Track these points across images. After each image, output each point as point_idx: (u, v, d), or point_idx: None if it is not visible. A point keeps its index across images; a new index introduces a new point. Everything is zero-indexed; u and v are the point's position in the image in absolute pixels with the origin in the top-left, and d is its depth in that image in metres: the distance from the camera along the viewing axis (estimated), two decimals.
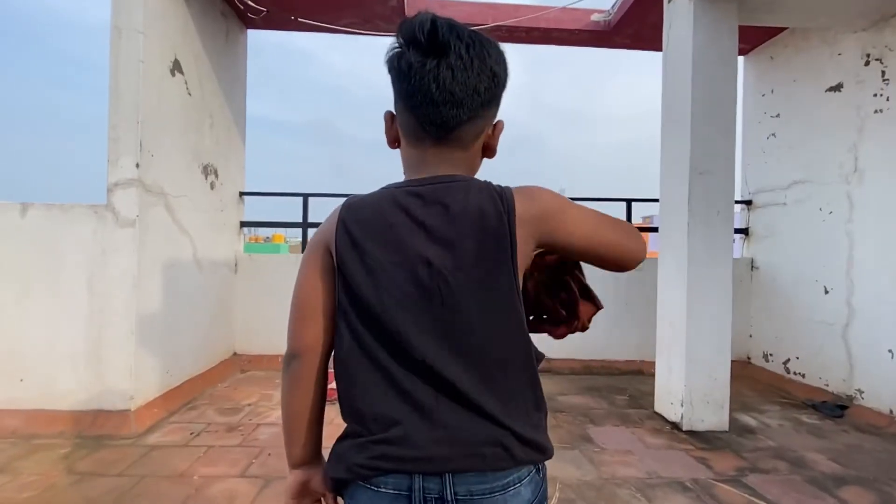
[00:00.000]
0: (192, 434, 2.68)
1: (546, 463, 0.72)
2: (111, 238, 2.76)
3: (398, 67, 0.68)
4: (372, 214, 0.69)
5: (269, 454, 2.43)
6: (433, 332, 0.66)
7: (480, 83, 0.67)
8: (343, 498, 0.72)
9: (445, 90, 0.65)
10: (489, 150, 0.77)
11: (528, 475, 0.68)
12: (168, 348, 3.11)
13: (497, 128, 0.75)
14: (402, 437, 0.65)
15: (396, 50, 0.68)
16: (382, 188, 0.73)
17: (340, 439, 0.72)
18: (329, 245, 0.71)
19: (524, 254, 0.68)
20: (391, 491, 0.65)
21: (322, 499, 0.79)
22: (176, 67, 3.20)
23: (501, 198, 0.67)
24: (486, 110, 0.71)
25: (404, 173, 0.75)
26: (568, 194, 5.24)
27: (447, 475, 0.64)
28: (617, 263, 0.77)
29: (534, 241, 0.69)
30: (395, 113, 0.75)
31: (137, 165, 2.78)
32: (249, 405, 3.18)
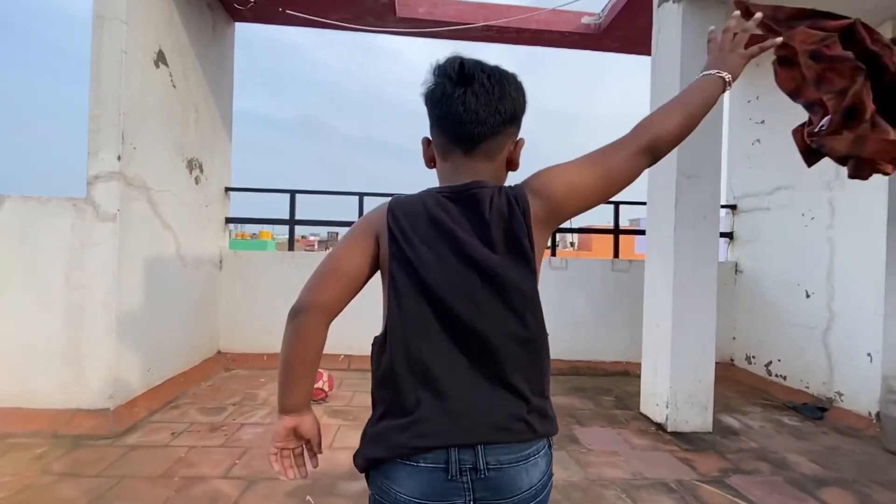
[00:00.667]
0: (173, 434, 2.62)
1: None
2: (91, 232, 2.69)
3: (433, 97, 0.81)
4: (418, 210, 0.80)
5: (254, 455, 2.39)
6: (472, 314, 0.76)
7: (501, 105, 0.79)
8: (375, 474, 0.78)
9: (471, 111, 0.78)
10: (512, 164, 0.87)
11: (544, 448, 0.80)
12: (150, 346, 3.04)
13: (518, 144, 0.86)
14: (441, 413, 0.73)
15: (432, 84, 0.82)
16: (423, 191, 0.84)
17: (375, 422, 0.80)
18: (378, 231, 0.81)
19: (539, 247, 0.80)
20: (429, 465, 0.73)
21: (308, 443, 0.87)
22: (160, 59, 3.13)
23: (517, 200, 0.79)
24: (506, 128, 0.82)
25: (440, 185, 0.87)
26: None
27: (479, 447, 0.73)
28: (627, 174, 0.83)
29: (549, 230, 0.83)
30: (430, 138, 0.88)
31: (119, 158, 2.71)
32: (233, 404, 3.13)
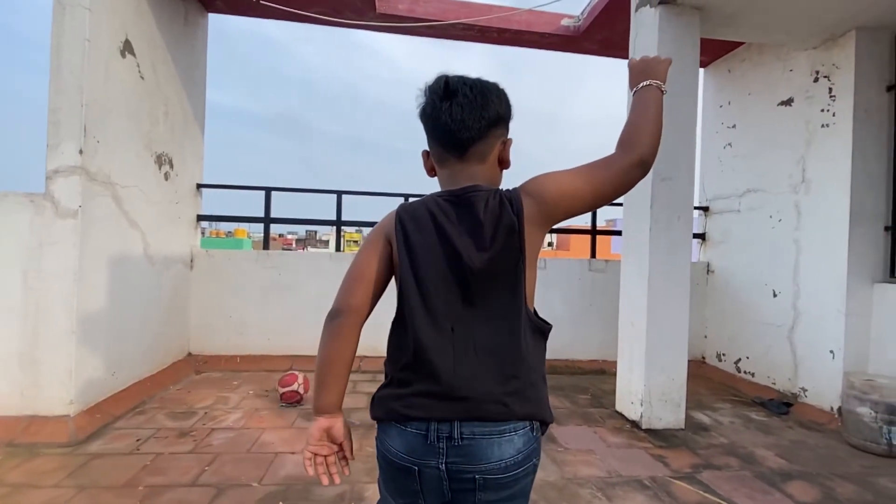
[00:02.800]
0: (138, 441, 2.51)
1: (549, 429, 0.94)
2: (50, 230, 2.55)
3: (425, 113, 0.93)
4: (422, 214, 0.91)
5: (225, 461, 2.31)
6: (461, 304, 0.88)
7: (484, 112, 0.90)
8: (378, 429, 0.93)
9: (458, 120, 0.90)
10: (504, 163, 0.97)
11: (524, 429, 0.87)
12: (114, 348, 2.91)
13: (507, 144, 0.96)
14: (428, 393, 0.86)
15: (423, 102, 0.94)
16: (427, 196, 0.95)
17: (382, 388, 0.93)
18: (389, 235, 0.93)
19: (532, 243, 0.88)
20: (414, 430, 0.87)
21: (341, 445, 0.95)
22: (126, 48, 2.99)
23: (511, 202, 0.87)
24: (492, 130, 0.92)
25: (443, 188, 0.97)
26: None
27: (456, 422, 0.85)
28: (620, 186, 0.89)
29: (543, 228, 0.90)
30: (428, 150, 0.99)
31: (81, 152, 2.58)
32: (204, 408, 3.02)
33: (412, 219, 0.91)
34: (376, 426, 0.94)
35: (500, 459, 0.85)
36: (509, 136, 0.97)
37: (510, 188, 0.92)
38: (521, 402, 0.86)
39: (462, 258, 0.86)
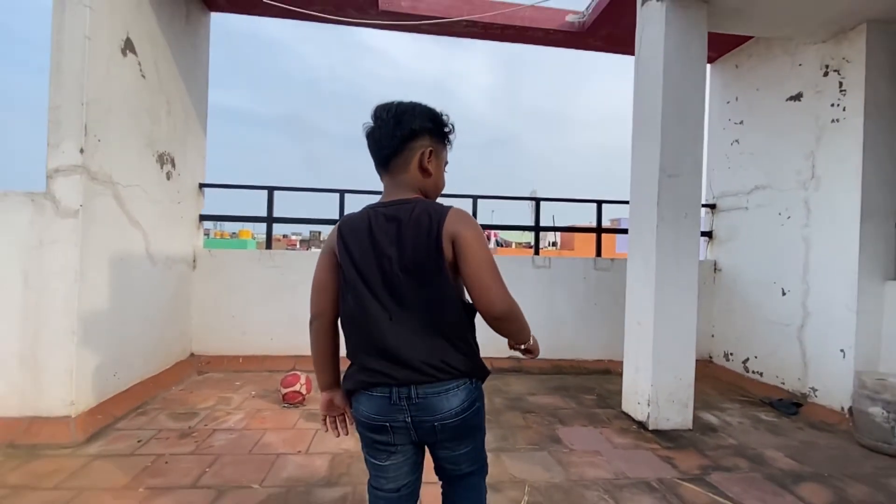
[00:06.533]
0: (139, 442, 2.49)
1: (485, 382, 1.22)
2: (50, 229, 2.53)
3: (366, 138, 1.18)
4: (359, 226, 1.13)
5: (225, 462, 2.29)
6: (394, 300, 1.09)
7: (397, 131, 1.12)
8: (351, 400, 1.18)
9: (376, 140, 1.15)
10: (425, 172, 1.16)
11: (464, 384, 1.13)
12: (115, 349, 2.89)
13: (426, 153, 1.15)
14: (382, 365, 1.09)
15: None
16: (365, 207, 1.17)
17: (349, 368, 1.17)
18: (333, 248, 1.16)
19: (448, 248, 1.07)
20: (379, 394, 1.11)
21: (344, 412, 1.27)
22: (128, 47, 2.98)
23: (435, 212, 1.09)
24: (408, 144, 1.13)
25: (381, 198, 1.19)
26: (540, 195, 5.24)
27: (412, 385, 1.09)
28: (477, 298, 1.08)
29: (451, 244, 1.07)
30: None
31: (81, 151, 2.56)
32: (205, 409, 3.00)
33: (350, 230, 1.13)
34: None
35: (450, 409, 1.11)
36: (445, 148, 1.21)
37: (440, 204, 1.13)
38: (456, 364, 1.11)
39: (392, 260, 1.08)
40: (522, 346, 1.22)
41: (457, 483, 1.26)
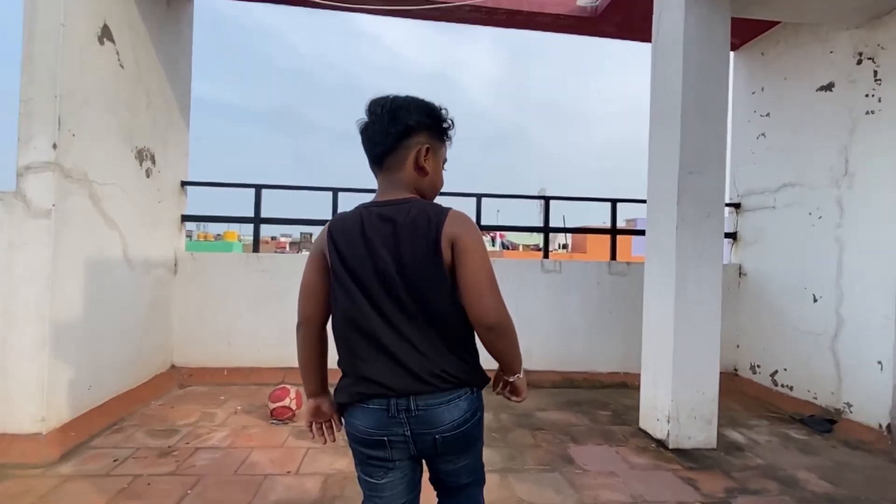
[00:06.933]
0: (115, 461, 2.48)
1: (484, 390, 1.22)
2: (20, 230, 2.54)
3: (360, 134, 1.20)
4: (350, 227, 1.14)
5: (209, 484, 2.28)
6: (390, 304, 1.09)
7: (391, 127, 1.13)
8: (344, 415, 1.18)
9: (370, 136, 1.17)
10: (421, 170, 1.18)
11: (466, 394, 1.14)
12: (90, 360, 2.89)
13: (423, 150, 1.16)
14: (380, 375, 1.09)
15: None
16: (357, 206, 1.18)
17: (341, 379, 1.17)
18: (323, 249, 1.16)
19: (447, 251, 1.09)
20: (376, 407, 1.11)
21: (331, 419, 1.27)
22: (105, 34, 2.99)
23: (436, 214, 1.11)
24: (403, 141, 1.14)
25: (375, 197, 1.21)
26: (550, 193, 5.24)
27: (412, 396, 1.09)
28: (470, 305, 1.08)
29: (450, 248, 1.09)
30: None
31: (55, 146, 2.57)
32: (187, 426, 2.99)
33: (341, 231, 1.14)
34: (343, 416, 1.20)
35: (452, 421, 1.12)
36: (443, 145, 1.22)
37: (439, 205, 1.15)
38: (457, 372, 1.12)
39: (387, 263, 1.08)
40: (511, 379, 1.21)
41: (456, 495, 1.27)
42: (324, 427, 1.28)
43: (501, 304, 1.10)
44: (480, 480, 1.30)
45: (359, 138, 1.21)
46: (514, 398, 1.25)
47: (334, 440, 1.30)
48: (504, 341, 1.13)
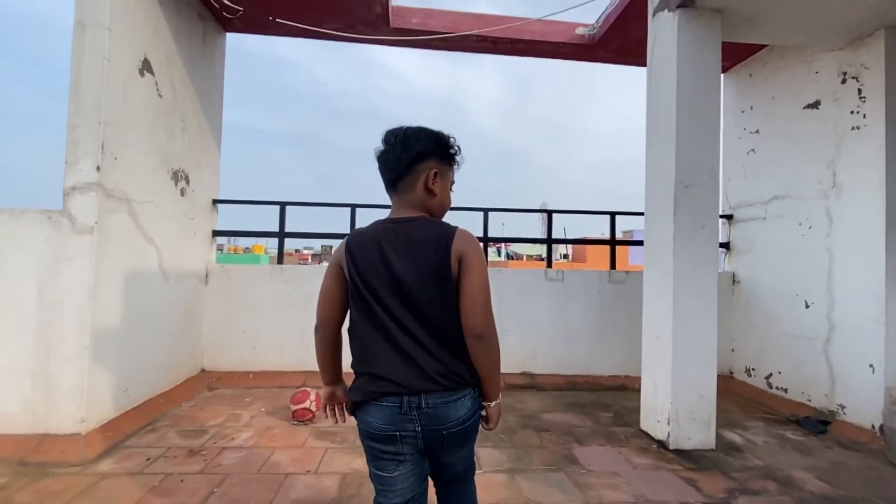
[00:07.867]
0: (148, 460, 2.46)
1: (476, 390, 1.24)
2: (66, 246, 2.56)
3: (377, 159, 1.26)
4: (366, 241, 1.19)
5: (234, 482, 2.24)
6: (404, 310, 1.14)
7: (404, 154, 1.20)
8: (358, 412, 1.21)
9: (384, 163, 1.24)
10: (430, 192, 1.24)
11: (469, 394, 1.20)
12: (127, 365, 2.89)
13: (431, 175, 1.22)
14: (394, 374, 1.13)
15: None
16: (374, 222, 1.24)
17: (355, 380, 1.21)
18: (341, 262, 1.22)
19: (455, 265, 1.15)
20: (389, 404, 1.15)
21: (343, 404, 1.35)
22: (145, 67, 3.04)
23: (445, 231, 1.18)
24: (414, 166, 1.21)
25: (389, 214, 1.26)
26: (551, 206, 5.19)
27: (422, 394, 1.14)
28: (465, 314, 1.14)
29: (458, 262, 1.15)
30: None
31: (98, 168, 2.60)
32: (215, 426, 2.97)
33: (358, 245, 1.19)
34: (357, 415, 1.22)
35: (458, 418, 1.17)
36: (451, 169, 1.27)
37: (449, 224, 1.21)
38: (463, 373, 1.16)
39: (401, 273, 1.13)
40: (490, 404, 1.24)
41: (455, 483, 1.31)
42: (336, 409, 1.36)
43: (492, 317, 1.16)
44: (472, 469, 1.35)
45: (373, 158, 1.26)
46: (484, 425, 1.27)
47: (345, 420, 1.36)
48: (488, 352, 1.17)
